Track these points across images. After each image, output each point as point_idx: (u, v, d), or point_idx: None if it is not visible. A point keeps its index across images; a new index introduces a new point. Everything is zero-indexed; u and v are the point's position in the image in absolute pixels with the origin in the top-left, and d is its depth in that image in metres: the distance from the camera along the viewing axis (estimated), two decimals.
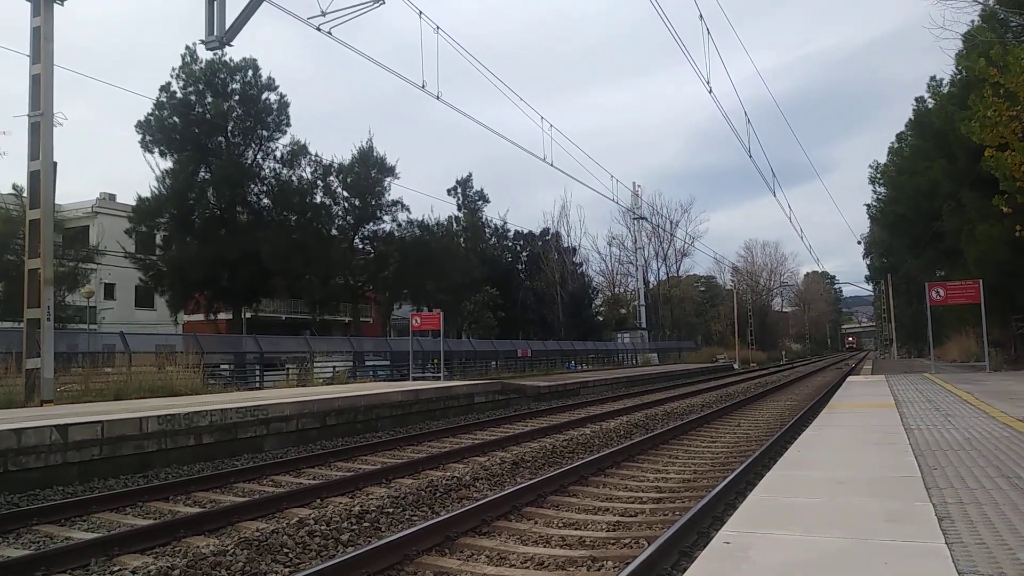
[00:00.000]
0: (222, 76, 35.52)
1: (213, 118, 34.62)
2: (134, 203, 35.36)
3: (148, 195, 34.73)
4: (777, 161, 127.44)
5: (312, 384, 21.18)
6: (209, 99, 35.04)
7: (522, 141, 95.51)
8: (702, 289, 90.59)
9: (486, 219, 55.56)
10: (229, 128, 35.72)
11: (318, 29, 13.65)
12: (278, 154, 37.41)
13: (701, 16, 19.51)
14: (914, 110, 34.55)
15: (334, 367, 26.01)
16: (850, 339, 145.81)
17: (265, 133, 36.75)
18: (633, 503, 7.31)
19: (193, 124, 34.54)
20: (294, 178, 37.99)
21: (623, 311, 67.99)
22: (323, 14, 13.60)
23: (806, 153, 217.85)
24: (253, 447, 11.32)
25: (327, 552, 5.53)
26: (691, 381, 33.99)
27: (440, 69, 16.33)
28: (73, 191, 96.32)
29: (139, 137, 34.60)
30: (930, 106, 31.69)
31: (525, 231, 59.61)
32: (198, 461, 10.25)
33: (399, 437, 12.57)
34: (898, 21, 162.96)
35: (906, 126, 37.74)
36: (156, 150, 34.61)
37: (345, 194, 40.56)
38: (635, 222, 66.53)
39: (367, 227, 41.89)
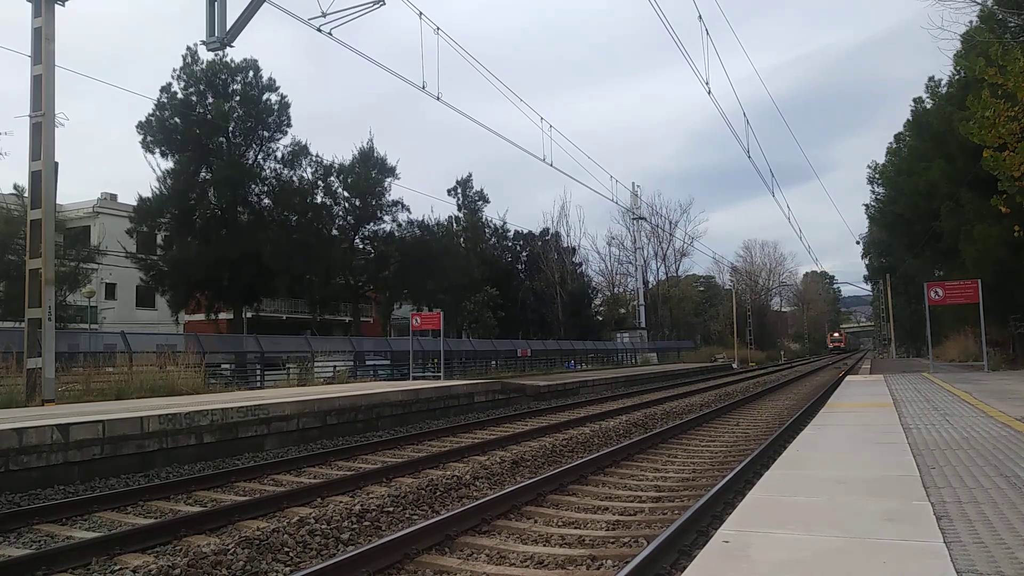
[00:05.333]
0: (223, 77, 35.53)
1: (214, 119, 34.60)
2: (135, 203, 35.37)
3: (149, 195, 34.76)
4: (776, 161, 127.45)
5: (313, 384, 21.19)
6: (210, 100, 35.05)
7: (522, 141, 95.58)
8: (701, 289, 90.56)
9: (486, 219, 55.59)
10: (230, 129, 35.72)
11: (319, 30, 13.67)
12: (279, 154, 37.46)
13: (700, 17, 19.55)
14: (912, 110, 34.62)
15: (335, 367, 26.02)
16: (836, 335, 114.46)
17: (266, 134, 36.77)
18: (632, 502, 7.33)
19: (194, 125, 34.54)
20: (295, 178, 38.03)
21: (622, 311, 67.99)
22: (323, 15, 13.61)
23: (804, 153, 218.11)
24: (254, 446, 11.34)
25: (327, 551, 5.55)
26: (690, 381, 34.02)
27: (440, 70, 16.35)
28: (74, 191, 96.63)
29: (140, 137, 34.62)
30: (928, 106, 31.74)
31: (525, 231, 59.66)
32: (199, 460, 10.28)
33: (399, 436, 12.60)
34: (896, 21, 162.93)
35: (904, 126, 37.79)
36: (157, 150, 34.62)
37: (346, 194, 40.60)
38: (634, 222, 66.58)
39: (367, 227, 41.93)
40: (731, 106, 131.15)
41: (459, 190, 54.52)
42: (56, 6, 13.55)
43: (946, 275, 29.75)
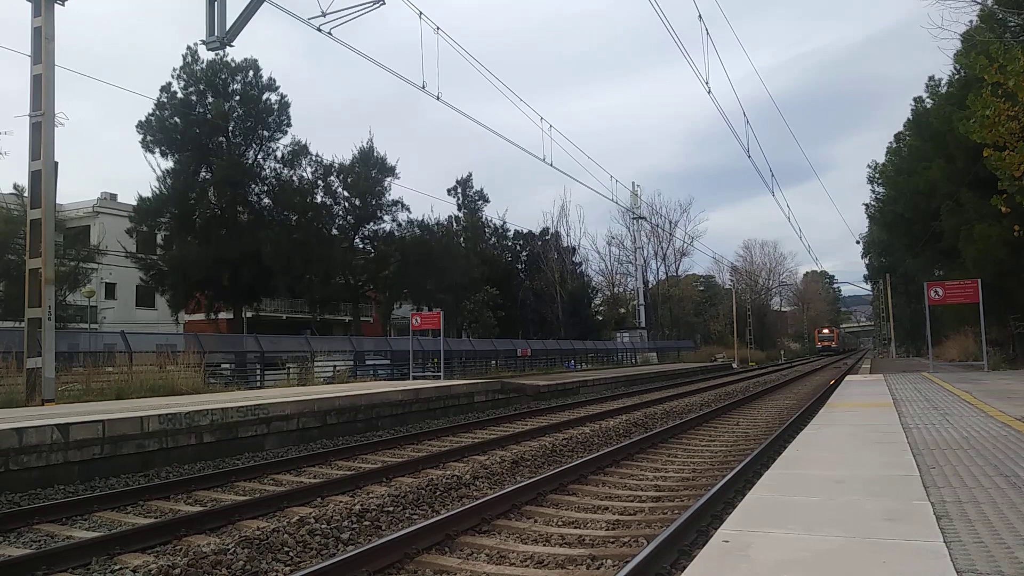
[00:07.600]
0: (223, 76, 35.53)
1: (214, 118, 34.62)
2: (135, 203, 35.40)
3: (149, 195, 34.79)
4: (775, 160, 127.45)
5: (313, 383, 21.19)
6: (210, 99, 35.06)
7: (522, 141, 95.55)
8: (701, 288, 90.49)
9: (486, 219, 55.60)
10: (230, 128, 35.74)
11: (318, 29, 13.67)
12: (279, 154, 37.49)
13: (700, 16, 19.54)
14: (912, 110, 34.67)
15: (335, 366, 26.01)
16: (826, 331, 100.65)
17: (266, 133, 36.78)
18: (632, 502, 7.33)
19: (194, 124, 34.55)
20: (295, 178, 38.05)
21: (622, 310, 68.00)
22: (323, 14, 13.61)
23: (804, 153, 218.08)
24: (254, 446, 11.34)
25: (327, 551, 5.55)
26: (690, 380, 34.02)
27: (440, 69, 16.36)
28: (74, 191, 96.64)
29: (140, 137, 34.65)
30: (928, 106, 31.79)
31: (525, 231, 59.68)
32: (199, 460, 10.28)
33: (399, 436, 12.59)
34: (896, 20, 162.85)
35: (905, 126, 37.83)
36: (157, 150, 34.65)
37: (346, 194, 40.59)
38: (634, 222, 66.58)
39: (367, 227, 41.93)
40: (731, 105, 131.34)
41: (459, 190, 54.56)
42: (56, 6, 13.55)
43: (946, 275, 29.76)
